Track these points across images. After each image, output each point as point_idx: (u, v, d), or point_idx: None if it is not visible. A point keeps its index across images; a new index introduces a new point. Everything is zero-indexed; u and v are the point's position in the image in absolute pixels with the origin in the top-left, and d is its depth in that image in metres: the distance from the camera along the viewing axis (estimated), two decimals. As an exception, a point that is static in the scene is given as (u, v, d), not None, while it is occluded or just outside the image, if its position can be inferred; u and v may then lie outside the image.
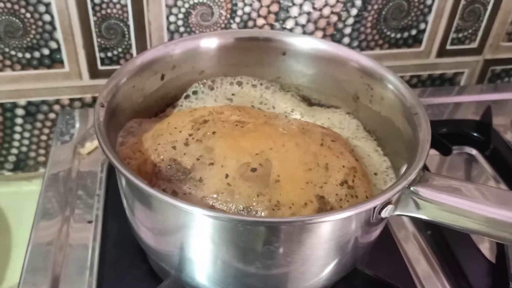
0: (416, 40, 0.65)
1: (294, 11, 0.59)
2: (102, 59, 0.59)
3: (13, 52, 0.57)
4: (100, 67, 0.60)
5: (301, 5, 0.59)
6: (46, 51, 0.58)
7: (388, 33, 0.63)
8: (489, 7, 0.64)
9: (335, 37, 0.62)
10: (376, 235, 0.36)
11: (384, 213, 0.31)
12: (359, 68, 0.41)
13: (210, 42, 0.44)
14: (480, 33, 0.67)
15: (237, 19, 0.59)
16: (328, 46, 0.43)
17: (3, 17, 0.55)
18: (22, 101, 0.62)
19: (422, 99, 0.59)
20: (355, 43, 0.63)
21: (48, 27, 0.56)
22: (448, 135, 0.56)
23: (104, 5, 0.55)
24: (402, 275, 0.41)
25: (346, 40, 0.63)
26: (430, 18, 0.63)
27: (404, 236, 0.45)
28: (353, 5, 0.60)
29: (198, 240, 0.31)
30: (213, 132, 0.36)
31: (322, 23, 0.60)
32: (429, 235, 0.45)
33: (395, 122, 0.39)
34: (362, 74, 0.41)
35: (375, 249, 0.38)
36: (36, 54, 0.58)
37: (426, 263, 0.43)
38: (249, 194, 0.32)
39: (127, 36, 0.58)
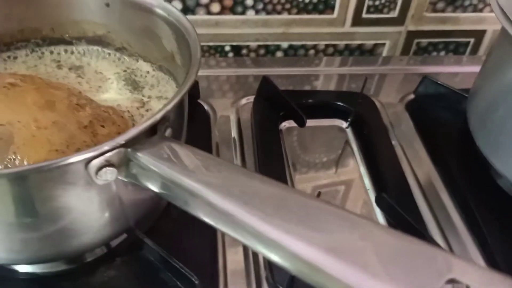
0: (328, 6, 0.60)
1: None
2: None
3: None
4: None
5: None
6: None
7: None
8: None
9: None
10: (133, 199, 0.30)
11: (103, 175, 0.25)
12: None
13: None
14: (399, 2, 0.61)
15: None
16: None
17: None
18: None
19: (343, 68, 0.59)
20: (260, 6, 0.59)
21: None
22: (317, 106, 0.51)
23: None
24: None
25: (249, 1, 0.58)
26: None
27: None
28: None
29: None
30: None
31: None
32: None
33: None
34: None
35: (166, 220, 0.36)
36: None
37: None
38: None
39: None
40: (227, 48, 0.64)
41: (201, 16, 0.60)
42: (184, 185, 0.24)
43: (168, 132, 0.27)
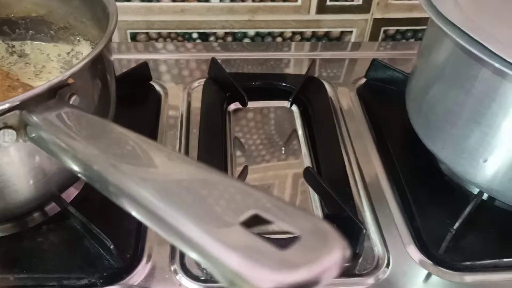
0: None
1: None
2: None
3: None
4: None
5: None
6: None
7: None
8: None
9: None
10: (49, 165, 0.31)
11: (1, 137, 0.26)
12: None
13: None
14: (364, -11, 0.60)
15: None
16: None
17: None
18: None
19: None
20: None
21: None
22: (264, 88, 0.52)
23: None
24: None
25: None
26: None
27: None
28: None
29: None
30: None
31: None
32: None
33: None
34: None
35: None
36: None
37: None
38: None
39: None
40: (195, 35, 0.65)
41: (166, 3, 0.62)
42: (73, 153, 0.24)
43: (74, 99, 0.29)
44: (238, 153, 0.46)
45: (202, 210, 0.17)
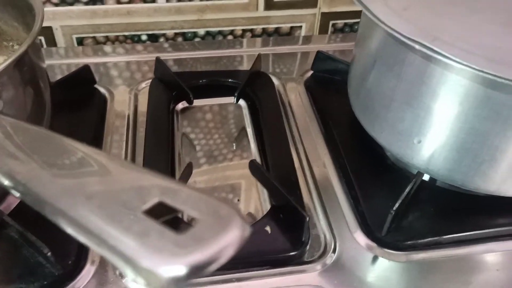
0: None
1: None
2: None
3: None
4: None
5: None
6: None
7: None
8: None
9: None
10: None
11: None
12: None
13: None
14: (309, -16, 0.61)
15: None
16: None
17: None
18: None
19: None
20: None
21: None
22: (210, 85, 0.52)
23: None
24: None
25: None
26: None
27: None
28: None
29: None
30: None
31: None
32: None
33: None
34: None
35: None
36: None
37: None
38: None
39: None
40: (144, 37, 0.65)
41: (111, 5, 0.61)
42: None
43: (-3, 104, 0.28)
44: (188, 151, 0.46)
45: (109, 204, 0.17)
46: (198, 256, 0.14)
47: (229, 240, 0.15)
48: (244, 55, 0.61)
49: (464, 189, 0.39)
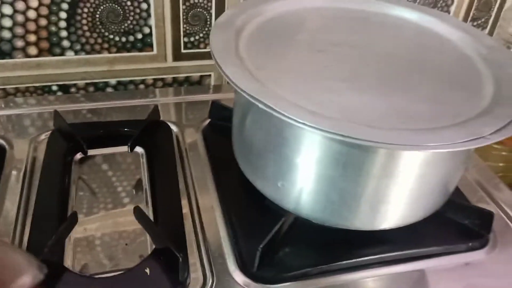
0: (146, 44, 0.66)
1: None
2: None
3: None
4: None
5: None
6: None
7: (111, 36, 0.64)
8: (213, 12, 0.66)
9: (52, 40, 0.62)
10: None
11: None
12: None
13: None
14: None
15: None
16: None
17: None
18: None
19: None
20: (77, 46, 0.63)
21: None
22: (107, 135, 0.55)
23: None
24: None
25: (66, 43, 0.63)
26: (152, 22, 0.64)
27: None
28: (60, 9, 0.60)
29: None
30: None
31: (31, 26, 0.60)
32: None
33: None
34: None
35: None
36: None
37: None
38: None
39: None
40: (55, 88, 0.67)
41: (20, 59, 0.63)
42: None
43: None
44: (82, 200, 0.48)
45: None
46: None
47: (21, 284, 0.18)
48: (159, 104, 0.64)
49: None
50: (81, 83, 0.68)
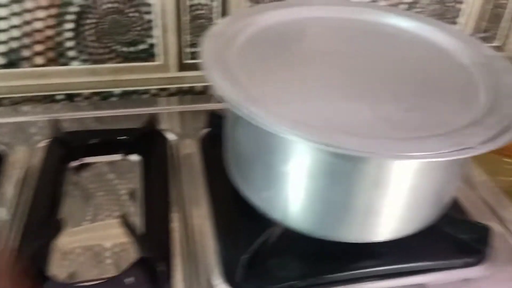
0: (150, 55, 0.67)
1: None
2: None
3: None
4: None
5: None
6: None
7: (116, 47, 0.65)
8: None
9: (58, 50, 0.63)
10: None
11: None
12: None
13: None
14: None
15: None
16: None
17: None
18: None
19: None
20: (83, 56, 0.64)
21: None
22: (103, 143, 0.55)
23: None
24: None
25: (71, 53, 0.64)
26: (156, 33, 0.65)
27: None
28: (67, 20, 0.61)
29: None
30: None
31: (38, 36, 0.61)
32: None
33: None
34: None
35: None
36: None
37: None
38: None
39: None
40: (60, 97, 0.69)
41: (25, 68, 0.65)
42: None
43: None
44: (75, 208, 0.49)
45: None
46: None
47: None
48: (164, 113, 0.65)
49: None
50: (86, 92, 0.69)
